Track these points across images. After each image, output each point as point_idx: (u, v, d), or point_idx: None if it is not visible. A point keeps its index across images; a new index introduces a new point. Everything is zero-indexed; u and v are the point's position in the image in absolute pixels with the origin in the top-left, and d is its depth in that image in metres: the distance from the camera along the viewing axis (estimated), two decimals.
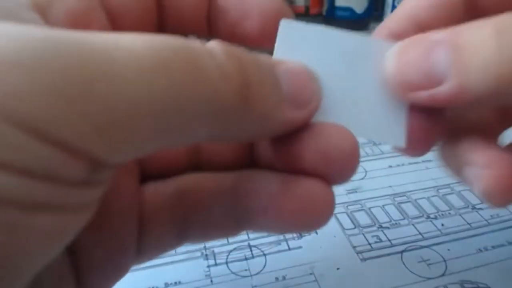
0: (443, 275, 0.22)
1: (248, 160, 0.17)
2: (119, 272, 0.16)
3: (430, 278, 0.22)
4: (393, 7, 0.63)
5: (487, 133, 0.16)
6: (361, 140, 0.15)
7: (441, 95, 0.13)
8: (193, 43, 0.12)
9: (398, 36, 0.16)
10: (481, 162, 0.15)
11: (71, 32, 0.10)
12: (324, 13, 0.68)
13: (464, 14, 0.16)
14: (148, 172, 0.17)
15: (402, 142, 0.15)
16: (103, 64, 0.10)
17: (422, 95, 0.14)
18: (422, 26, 0.16)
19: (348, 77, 0.15)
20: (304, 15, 0.71)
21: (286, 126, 0.13)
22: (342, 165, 0.14)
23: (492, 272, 0.22)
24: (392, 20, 0.17)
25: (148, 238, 0.17)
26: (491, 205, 0.15)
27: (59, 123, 0.09)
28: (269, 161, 0.16)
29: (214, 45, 0.12)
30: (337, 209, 0.27)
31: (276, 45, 0.15)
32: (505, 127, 0.19)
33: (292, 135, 0.14)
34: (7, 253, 0.09)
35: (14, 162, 0.09)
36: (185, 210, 0.17)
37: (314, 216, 0.14)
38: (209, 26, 0.17)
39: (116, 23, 0.16)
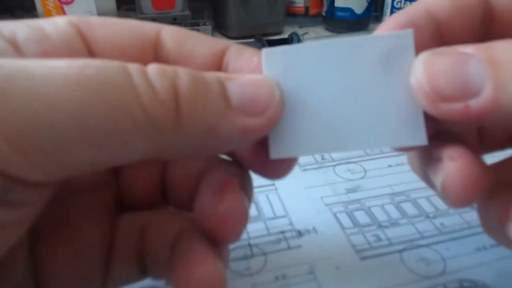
0: (442, 274, 0.22)
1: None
2: None
3: (429, 277, 0.22)
4: (393, 7, 0.63)
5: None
6: None
7: (475, 108, 0.13)
8: (121, 63, 0.12)
9: (409, 26, 0.15)
10: (446, 154, 0.14)
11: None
12: (323, 13, 0.69)
13: (481, 24, 0.16)
14: (125, 203, 0.18)
15: (424, 140, 0.14)
16: (20, 80, 0.10)
17: (456, 107, 0.13)
18: (439, 23, 0.16)
19: (347, 86, 0.14)
20: (303, 15, 0.71)
21: (239, 134, 0.13)
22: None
23: (491, 271, 0.22)
24: (408, 9, 0.16)
25: (114, 269, 0.17)
26: (451, 203, 0.14)
27: None
28: None
29: (148, 65, 0.12)
30: (337, 208, 0.27)
31: (264, 74, 0.15)
32: (483, 152, 0.19)
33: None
34: None
35: None
36: (145, 247, 0.17)
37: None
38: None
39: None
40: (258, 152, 0.16)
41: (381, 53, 0.14)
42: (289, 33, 0.62)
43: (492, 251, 0.24)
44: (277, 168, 0.16)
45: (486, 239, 0.24)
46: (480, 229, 0.25)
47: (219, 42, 0.17)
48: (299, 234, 0.25)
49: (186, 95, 0.12)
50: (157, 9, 0.63)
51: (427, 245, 0.24)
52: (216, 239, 0.15)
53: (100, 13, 0.58)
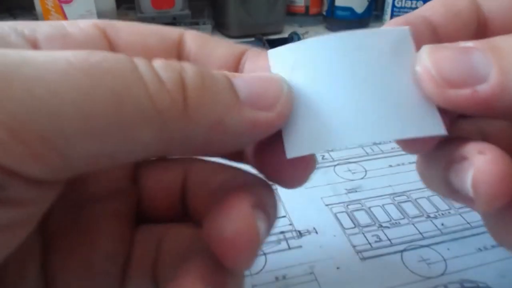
0: (443, 274, 0.22)
1: None
2: None
3: (430, 277, 0.22)
4: (393, 7, 0.63)
5: None
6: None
7: (482, 94, 0.13)
8: (127, 56, 0.12)
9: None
10: (473, 150, 0.14)
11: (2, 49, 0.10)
12: (324, 12, 0.68)
13: (476, 30, 0.17)
14: (143, 214, 0.17)
15: (442, 130, 0.14)
16: (22, 67, 0.09)
17: (464, 93, 0.13)
18: (435, 27, 0.16)
19: (355, 78, 0.14)
20: (304, 15, 0.71)
21: (249, 128, 0.13)
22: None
23: (492, 272, 0.22)
24: (406, 15, 0.17)
25: (128, 284, 0.16)
26: (484, 202, 0.13)
27: None
28: None
29: (154, 59, 0.12)
30: (337, 209, 0.27)
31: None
32: None
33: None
34: None
35: None
36: (160, 262, 0.16)
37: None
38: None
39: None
40: (274, 158, 0.15)
41: (383, 47, 0.14)
42: (289, 32, 0.62)
43: (493, 252, 0.23)
44: (295, 175, 0.15)
45: (487, 240, 0.24)
46: (481, 230, 0.25)
47: (238, 46, 0.17)
48: (299, 234, 0.25)
49: (193, 86, 0.12)
50: (157, 8, 0.63)
51: (428, 246, 0.24)
52: (224, 264, 0.13)
53: (100, 12, 0.58)
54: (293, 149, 0.14)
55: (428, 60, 0.14)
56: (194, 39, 0.17)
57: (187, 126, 0.12)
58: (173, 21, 0.64)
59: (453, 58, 0.14)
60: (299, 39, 0.57)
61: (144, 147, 0.11)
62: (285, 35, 0.63)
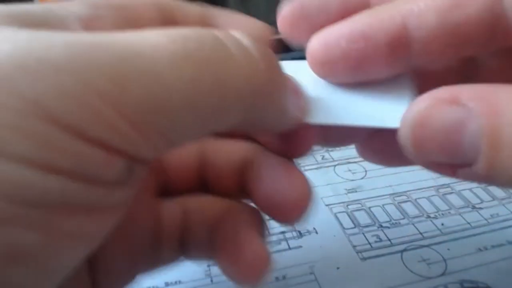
0: (443, 274, 0.22)
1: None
2: (130, 282, 0.17)
3: (430, 277, 0.22)
4: None
5: None
6: None
7: (462, 176, 0.12)
8: (216, 32, 0.12)
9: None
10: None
11: (97, 34, 0.10)
12: None
13: (489, 39, 0.13)
14: (165, 188, 0.18)
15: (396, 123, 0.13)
16: (134, 60, 0.10)
17: (442, 169, 0.13)
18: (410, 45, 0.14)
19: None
20: None
21: (290, 125, 0.14)
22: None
23: (492, 272, 0.22)
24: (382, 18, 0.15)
25: (162, 251, 0.17)
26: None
27: (94, 121, 0.09)
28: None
29: (238, 33, 0.12)
30: (337, 209, 0.27)
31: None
32: None
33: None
34: (41, 254, 0.09)
35: (49, 160, 0.09)
36: (188, 230, 0.17)
37: None
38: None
39: None
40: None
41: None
42: None
43: (493, 252, 0.23)
44: (299, 145, 0.16)
45: (487, 240, 0.24)
46: (481, 230, 0.25)
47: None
48: (299, 234, 0.25)
49: (277, 67, 0.13)
50: None
51: (428, 246, 0.24)
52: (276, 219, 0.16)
53: None
54: (314, 117, 0.15)
55: (410, 137, 0.12)
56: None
57: (270, 104, 0.12)
58: None
59: (440, 139, 0.12)
60: None
61: (231, 126, 0.12)
62: None
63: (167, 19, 0.15)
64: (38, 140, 0.08)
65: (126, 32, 0.10)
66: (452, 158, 0.12)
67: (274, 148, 0.16)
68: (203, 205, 0.17)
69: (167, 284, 0.22)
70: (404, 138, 0.13)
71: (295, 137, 0.15)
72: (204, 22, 0.16)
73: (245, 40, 0.12)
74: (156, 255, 0.17)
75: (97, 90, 0.09)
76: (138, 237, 0.16)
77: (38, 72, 0.08)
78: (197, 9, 0.16)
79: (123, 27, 0.14)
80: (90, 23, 0.13)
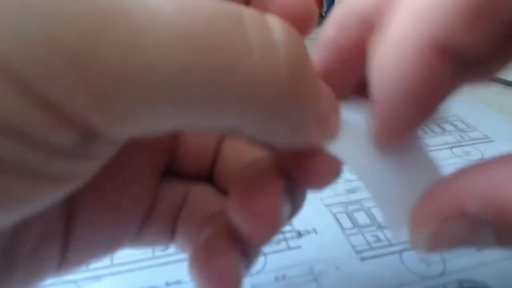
0: (441, 274, 0.22)
1: None
2: (105, 253, 0.16)
3: (429, 277, 0.22)
4: None
5: None
6: None
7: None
8: (247, 14, 0.09)
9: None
10: None
11: None
12: (323, 13, 0.69)
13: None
14: (172, 167, 0.17)
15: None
16: (120, 24, 0.08)
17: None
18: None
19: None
20: None
21: (302, 146, 0.12)
22: None
23: (491, 272, 0.22)
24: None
25: (148, 230, 0.17)
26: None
27: (47, 79, 0.07)
28: None
29: (277, 21, 0.10)
30: (337, 209, 0.27)
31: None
32: None
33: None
34: None
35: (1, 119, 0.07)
36: (180, 217, 0.17)
37: None
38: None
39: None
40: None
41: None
42: None
43: (492, 252, 0.24)
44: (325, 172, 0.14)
45: None
46: None
47: None
48: (299, 234, 0.25)
49: (307, 74, 0.11)
50: None
51: None
52: (242, 235, 0.14)
53: None
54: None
55: (425, 246, 0.12)
56: None
57: (283, 120, 0.10)
58: None
59: (454, 240, 0.12)
60: None
61: (224, 130, 0.10)
62: None
63: None
64: None
65: None
66: (462, 246, 0.12)
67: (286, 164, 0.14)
68: (204, 198, 0.17)
69: (167, 284, 0.22)
70: (421, 248, 0.13)
71: (311, 161, 0.13)
72: None
73: (279, 34, 0.10)
74: (143, 229, 0.17)
75: (59, 44, 0.07)
76: (128, 204, 0.16)
77: None
78: None
79: None
80: None
